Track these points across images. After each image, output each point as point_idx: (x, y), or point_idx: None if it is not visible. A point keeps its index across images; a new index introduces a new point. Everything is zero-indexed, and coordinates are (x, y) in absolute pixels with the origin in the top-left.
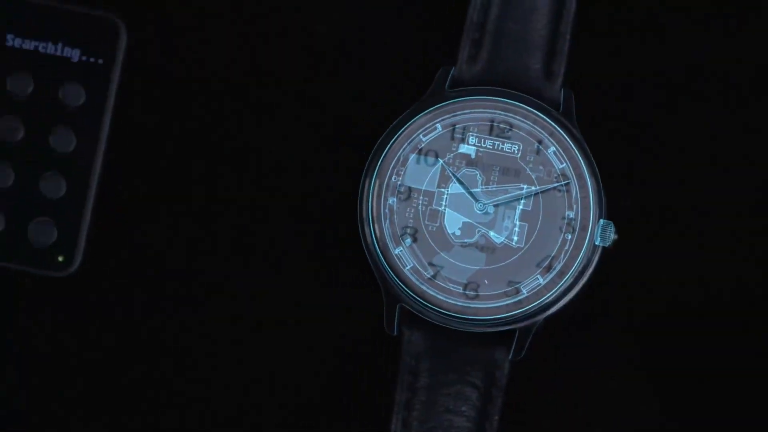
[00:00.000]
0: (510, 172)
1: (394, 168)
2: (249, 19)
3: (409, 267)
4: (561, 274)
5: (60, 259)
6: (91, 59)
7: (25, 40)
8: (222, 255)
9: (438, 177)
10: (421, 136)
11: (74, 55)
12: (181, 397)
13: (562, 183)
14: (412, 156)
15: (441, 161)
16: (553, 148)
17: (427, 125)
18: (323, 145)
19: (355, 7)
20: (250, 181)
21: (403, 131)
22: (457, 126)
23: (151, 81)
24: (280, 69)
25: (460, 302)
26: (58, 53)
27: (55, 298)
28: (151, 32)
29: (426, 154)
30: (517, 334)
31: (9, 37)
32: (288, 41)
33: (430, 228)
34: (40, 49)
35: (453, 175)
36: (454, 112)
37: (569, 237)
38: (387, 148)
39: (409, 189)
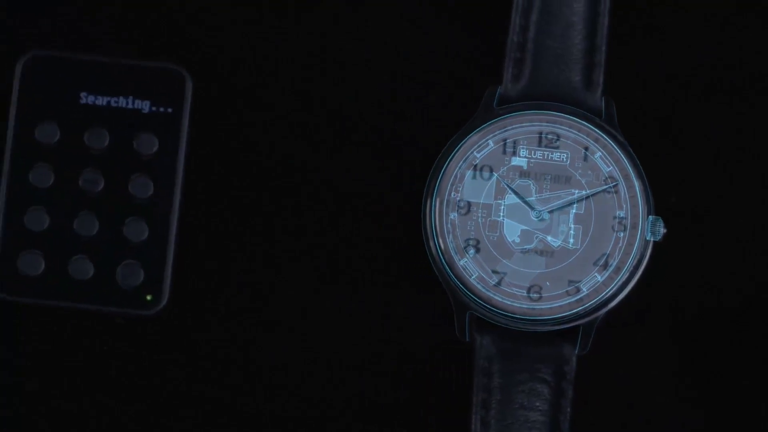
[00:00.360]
0: (561, 179)
1: (452, 185)
2: (308, 53)
3: (474, 276)
4: (617, 270)
5: (148, 298)
6: (161, 109)
7: (98, 97)
8: (300, 278)
9: (494, 190)
10: (475, 153)
11: (145, 106)
12: (265, 415)
13: (611, 185)
14: (468, 172)
15: (496, 175)
16: (599, 153)
17: (480, 142)
18: (385, 167)
19: (404, 36)
20: (322, 209)
21: (457, 150)
22: (507, 140)
23: (218, 123)
24: (340, 100)
25: (525, 305)
26: (130, 106)
27: (145, 335)
28: (215, 79)
29: (481, 170)
30: (581, 330)
31: (83, 95)
32: (346, 73)
33: (491, 238)
34: (113, 103)
35: (508, 186)
36: (504, 127)
37: (622, 235)
38: (444, 168)
39: (468, 203)
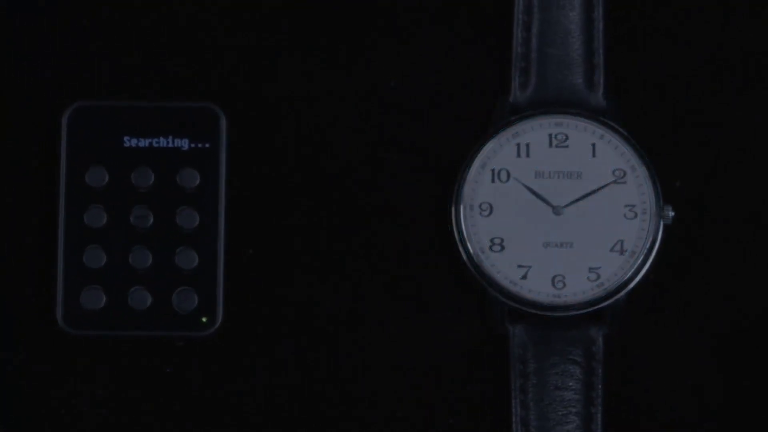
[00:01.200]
0: (573, 175)
1: (474, 190)
2: (334, 84)
3: (502, 272)
4: (632, 254)
5: (204, 320)
6: (199, 145)
7: (140, 139)
8: (343, 289)
9: (513, 190)
10: (492, 158)
11: (184, 144)
12: (315, 423)
13: (620, 177)
14: (488, 177)
15: (513, 176)
16: (606, 148)
17: (496, 148)
18: (411, 178)
19: (420, 56)
20: (358, 222)
21: (476, 157)
22: (521, 144)
23: (254, 153)
24: (367, 118)
25: (552, 294)
26: (170, 145)
27: (203, 355)
28: (248, 113)
29: (499, 173)
30: (605, 313)
31: (126, 139)
32: (366, 99)
33: (514, 236)
34: (154, 144)
35: (525, 186)
36: (516, 132)
37: (634, 221)
38: (466, 175)
39: (490, 205)
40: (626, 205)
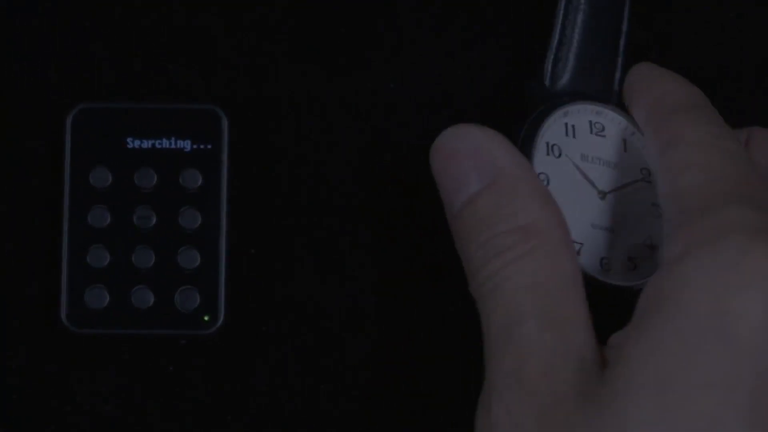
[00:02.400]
0: (611, 164)
1: (535, 160)
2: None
3: None
4: (660, 250)
5: (206, 318)
6: (201, 146)
7: (143, 141)
8: (349, 291)
9: (564, 167)
10: (546, 133)
11: (186, 145)
12: (314, 418)
13: (647, 176)
14: (543, 149)
15: (565, 153)
16: (635, 146)
17: (550, 123)
18: (411, 178)
19: (416, 61)
20: (362, 224)
21: (536, 131)
22: (568, 124)
23: (255, 155)
24: (365, 123)
25: (599, 276)
26: (173, 146)
27: (205, 353)
28: (249, 115)
29: (552, 148)
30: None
31: (129, 140)
32: (365, 99)
33: (567, 211)
34: (157, 145)
35: (576, 165)
36: (566, 112)
37: (659, 220)
38: (529, 145)
39: (547, 176)
40: (653, 204)
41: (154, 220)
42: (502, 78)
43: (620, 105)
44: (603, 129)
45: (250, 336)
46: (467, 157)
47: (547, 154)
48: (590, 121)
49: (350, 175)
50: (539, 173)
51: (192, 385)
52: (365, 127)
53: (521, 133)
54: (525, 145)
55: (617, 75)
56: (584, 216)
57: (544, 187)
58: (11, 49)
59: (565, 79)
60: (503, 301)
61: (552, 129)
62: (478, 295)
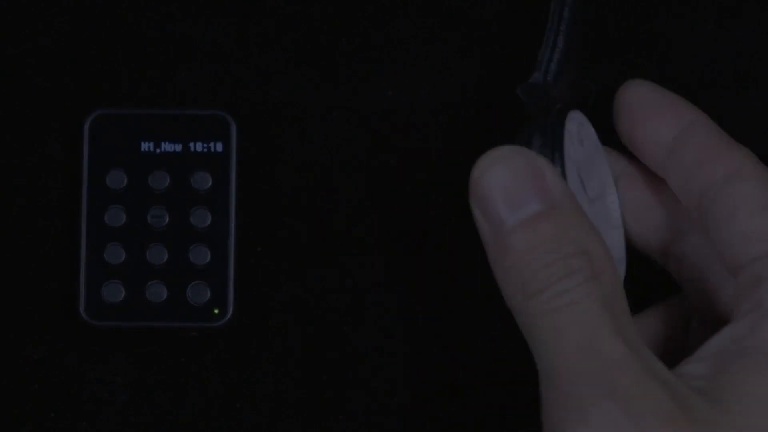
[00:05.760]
0: (594, 174)
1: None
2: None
3: None
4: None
5: (216, 312)
6: (211, 150)
7: (157, 144)
8: (349, 286)
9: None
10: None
11: (197, 149)
12: (327, 408)
13: (607, 189)
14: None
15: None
16: (606, 160)
17: (546, 129)
18: (411, 178)
19: (415, 68)
20: (363, 223)
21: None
22: (563, 130)
23: (262, 157)
24: (365, 127)
25: None
26: (184, 150)
27: (215, 345)
28: (256, 120)
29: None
30: None
31: (143, 144)
32: (366, 106)
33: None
34: (169, 149)
35: (574, 170)
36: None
37: (617, 231)
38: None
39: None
40: (614, 216)
41: (166, 220)
42: (499, 85)
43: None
44: (583, 140)
45: (257, 328)
46: (528, 178)
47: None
48: (577, 129)
49: (351, 177)
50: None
51: (202, 375)
52: (365, 132)
53: (526, 131)
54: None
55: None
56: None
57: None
58: (33, 58)
59: (562, 75)
60: (581, 318)
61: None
62: (539, 312)
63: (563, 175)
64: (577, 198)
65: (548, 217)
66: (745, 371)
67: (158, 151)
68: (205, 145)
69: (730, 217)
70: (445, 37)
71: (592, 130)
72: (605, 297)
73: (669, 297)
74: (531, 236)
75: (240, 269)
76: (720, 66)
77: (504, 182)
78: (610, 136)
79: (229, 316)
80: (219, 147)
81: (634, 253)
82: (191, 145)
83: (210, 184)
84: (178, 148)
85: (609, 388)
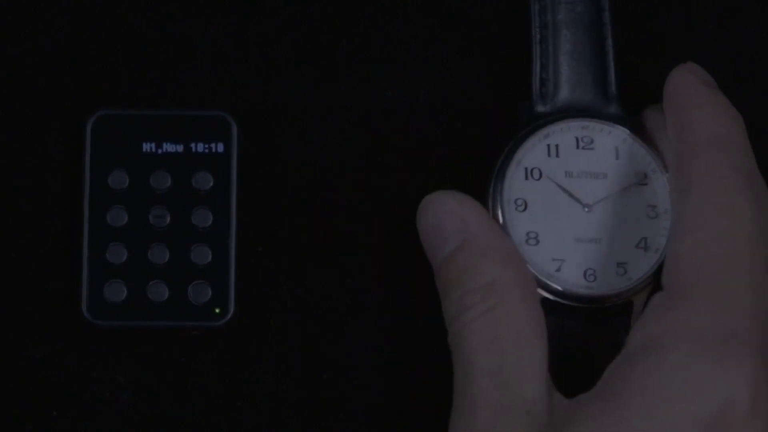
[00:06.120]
0: (599, 176)
1: (510, 187)
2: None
3: (537, 265)
4: (656, 250)
5: (217, 311)
6: (212, 150)
7: (158, 145)
8: (349, 286)
9: (545, 188)
10: (525, 157)
11: (198, 149)
12: (322, 407)
13: (642, 179)
14: (522, 174)
15: (546, 174)
16: (629, 151)
17: (529, 148)
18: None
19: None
20: (363, 222)
21: (513, 156)
22: (551, 145)
23: (263, 158)
24: (365, 127)
25: (584, 287)
26: (185, 150)
27: (216, 344)
28: (257, 120)
29: (532, 171)
30: (633, 305)
31: (144, 144)
32: (367, 106)
33: (547, 230)
34: (170, 149)
35: (557, 184)
36: (546, 134)
37: (656, 220)
38: (504, 172)
39: (525, 201)
40: (649, 205)
41: (168, 219)
42: (499, 85)
43: (619, 109)
44: (592, 141)
45: (258, 327)
46: (444, 220)
47: (526, 178)
48: (576, 137)
49: (351, 177)
50: (516, 199)
51: (203, 374)
52: (365, 132)
53: (499, 161)
54: (499, 173)
55: (611, 78)
56: (567, 232)
57: (511, 246)
58: (33, 58)
59: (557, 96)
60: (461, 358)
61: (531, 153)
62: (451, 349)
63: (502, 182)
64: (552, 208)
65: (458, 253)
66: (620, 368)
67: (160, 151)
68: (206, 146)
69: (673, 227)
70: (445, 37)
71: (615, 132)
72: (491, 333)
73: None
74: (445, 275)
75: (241, 269)
76: (720, 66)
77: (426, 228)
78: None
79: (230, 315)
80: (220, 147)
81: None
82: (192, 145)
83: (211, 184)
84: (180, 148)
85: (469, 429)
